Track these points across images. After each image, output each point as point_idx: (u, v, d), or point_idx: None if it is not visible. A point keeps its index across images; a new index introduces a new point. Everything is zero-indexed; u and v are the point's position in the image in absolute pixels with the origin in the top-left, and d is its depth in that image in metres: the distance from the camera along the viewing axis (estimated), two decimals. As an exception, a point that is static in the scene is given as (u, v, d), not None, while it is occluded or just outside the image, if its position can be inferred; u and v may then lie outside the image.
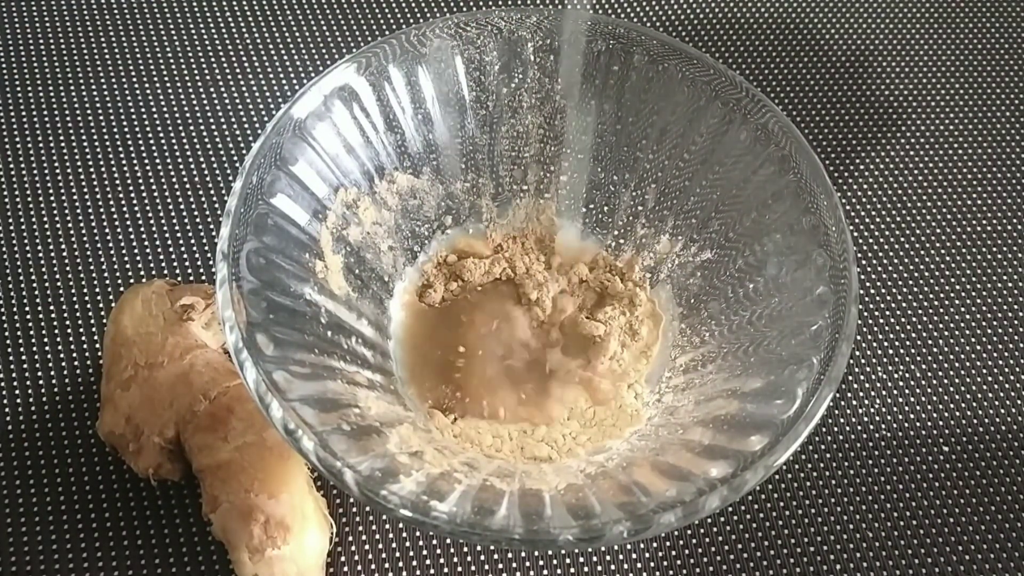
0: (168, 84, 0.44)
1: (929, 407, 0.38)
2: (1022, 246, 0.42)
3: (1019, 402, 0.38)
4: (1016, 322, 0.40)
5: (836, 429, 0.37)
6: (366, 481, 0.25)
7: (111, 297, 0.38)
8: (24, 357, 0.37)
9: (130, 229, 0.40)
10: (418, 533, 0.34)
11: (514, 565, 0.34)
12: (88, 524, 0.34)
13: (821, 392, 0.27)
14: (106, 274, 0.38)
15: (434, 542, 0.34)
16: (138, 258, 0.39)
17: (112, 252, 0.39)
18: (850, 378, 0.38)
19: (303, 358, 0.29)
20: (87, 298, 0.38)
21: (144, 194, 0.40)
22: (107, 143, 0.42)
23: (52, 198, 0.40)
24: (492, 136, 0.36)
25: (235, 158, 0.42)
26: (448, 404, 0.34)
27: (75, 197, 0.40)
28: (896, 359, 0.39)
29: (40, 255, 0.39)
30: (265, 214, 0.30)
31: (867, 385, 0.38)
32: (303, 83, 0.44)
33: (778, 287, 0.32)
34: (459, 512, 0.26)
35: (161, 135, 0.42)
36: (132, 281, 0.38)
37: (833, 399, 0.31)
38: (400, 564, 0.33)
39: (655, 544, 0.34)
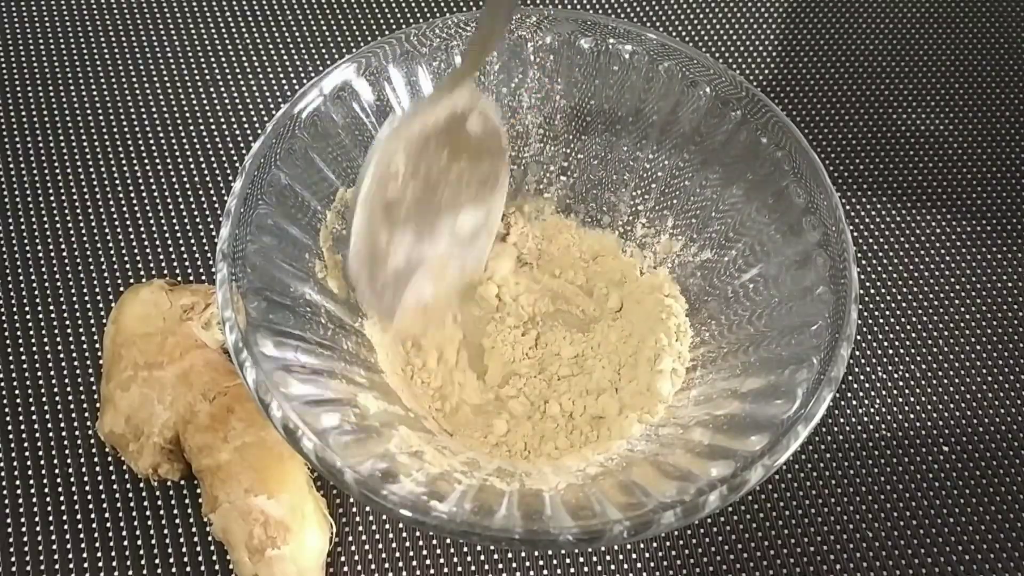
0: (168, 84, 0.44)
1: (929, 407, 0.38)
2: (1022, 246, 0.42)
3: (1019, 402, 0.38)
4: (1016, 322, 0.40)
5: (836, 429, 0.37)
6: (366, 481, 0.25)
7: (111, 297, 0.38)
8: (24, 357, 0.37)
9: (130, 229, 0.40)
10: (418, 533, 0.34)
11: (514, 565, 0.34)
12: (88, 524, 0.34)
13: (821, 392, 0.27)
14: (106, 274, 0.38)
15: (434, 542, 0.34)
16: (138, 258, 0.39)
17: (112, 252, 0.39)
18: (850, 378, 0.38)
19: (303, 358, 0.29)
20: (87, 298, 0.38)
21: (144, 194, 0.40)
22: (107, 143, 0.42)
23: (52, 198, 0.40)
24: (492, 136, 0.36)
25: (235, 158, 0.42)
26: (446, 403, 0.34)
27: (75, 197, 0.40)
28: (896, 359, 0.39)
29: (40, 255, 0.39)
30: (265, 214, 0.30)
31: (867, 385, 0.38)
32: (303, 83, 0.44)
33: (778, 287, 0.32)
34: (459, 512, 0.26)
35: (161, 135, 0.42)
36: (132, 281, 0.38)
37: (833, 399, 0.31)
38: (400, 564, 0.33)
39: (655, 544, 0.34)
